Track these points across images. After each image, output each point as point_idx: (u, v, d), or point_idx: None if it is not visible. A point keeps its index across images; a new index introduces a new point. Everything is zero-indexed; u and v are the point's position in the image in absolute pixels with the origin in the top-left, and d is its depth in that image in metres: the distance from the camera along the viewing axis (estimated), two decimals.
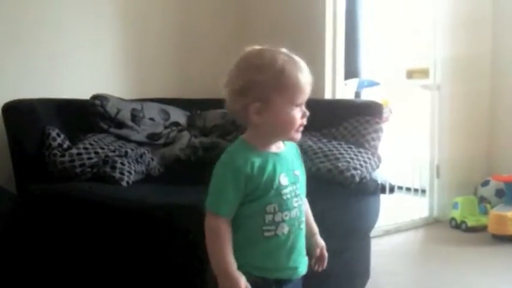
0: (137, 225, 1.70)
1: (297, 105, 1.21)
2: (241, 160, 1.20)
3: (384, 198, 3.69)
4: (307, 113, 1.24)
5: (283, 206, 1.22)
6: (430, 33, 3.62)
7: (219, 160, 1.23)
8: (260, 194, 1.20)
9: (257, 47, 1.25)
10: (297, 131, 1.24)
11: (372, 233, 3.17)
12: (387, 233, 3.39)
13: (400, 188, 4.17)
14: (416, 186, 3.82)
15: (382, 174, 4.01)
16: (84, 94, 2.53)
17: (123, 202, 1.81)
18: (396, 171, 4.06)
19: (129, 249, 1.74)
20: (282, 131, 1.23)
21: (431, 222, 3.67)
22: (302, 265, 1.30)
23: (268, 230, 1.22)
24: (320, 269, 1.42)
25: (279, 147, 1.28)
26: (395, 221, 3.50)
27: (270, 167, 1.22)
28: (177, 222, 1.64)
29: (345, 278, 2.13)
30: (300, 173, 1.31)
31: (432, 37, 3.62)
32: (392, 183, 4.07)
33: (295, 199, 1.25)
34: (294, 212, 1.25)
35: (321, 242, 1.43)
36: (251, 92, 1.20)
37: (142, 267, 1.72)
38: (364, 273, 2.32)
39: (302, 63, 1.23)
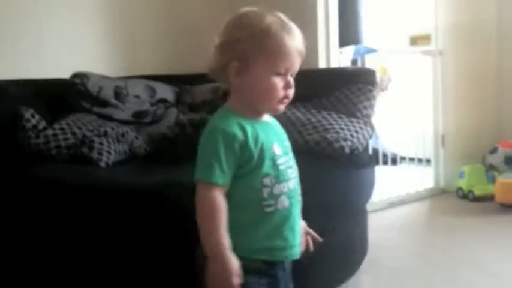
0: (108, 206, 1.60)
1: (279, 73, 1.11)
2: (233, 125, 1.10)
3: (387, 170, 3.60)
4: (292, 84, 1.14)
5: (279, 177, 1.13)
6: None
7: (206, 129, 1.12)
8: (255, 164, 1.11)
9: (250, 8, 1.16)
10: (279, 102, 1.14)
11: (375, 207, 3.10)
12: (391, 205, 3.29)
13: (403, 158, 4.05)
14: (421, 156, 3.68)
15: (384, 145, 3.90)
16: (65, 73, 2.43)
17: (94, 183, 1.71)
18: (399, 141, 3.93)
19: (103, 232, 1.65)
20: (261, 99, 1.14)
21: (438, 193, 3.56)
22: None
23: (269, 205, 1.12)
24: (311, 246, 1.33)
25: (266, 117, 1.19)
26: (400, 193, 3.39)
27: (262, 135, 1.13)
28: (148, 202, 1.55)
29: (339, 256, 2.02)
30: (289, 145, 1.23)
31: (434, 2, 3.49)
32: (396, 153, 3.95)
33: (289, 170, 1.17)
34: (291, 183, 1.16)
35: (302, 221, 1.30)
36: (231, 50, 1.11)
37: (120, 250, 1.64)
38: (360, 249, 2.21)
39: (295, 29, 1.13)
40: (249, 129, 1.11)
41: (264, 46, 1.09)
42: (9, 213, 1.79)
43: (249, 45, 1.10)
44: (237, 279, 1.07)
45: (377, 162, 3.44)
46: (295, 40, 1.12)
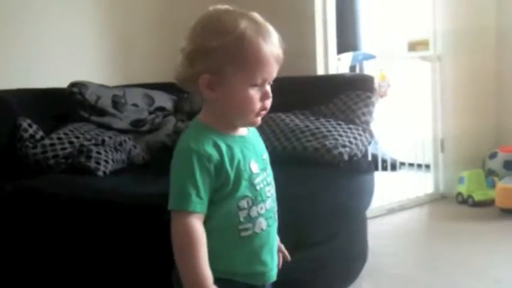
0: (104, 217, 1.59)
1: (256, 84, 1.01)
2: (207, 144, 1.00)
3: (387, 176, 3.60)
4: (270, 95, 1.04)
5: (257, 198, 1.05)
6: (429, 3, 3.47)
7: (178, 149, 1.02)
8: (232, 187, 1.02)
9: (221, 7, 1.05)
10: (257, 115, 1.04)
11: (374, 213, 3.08)
12: (391, 211, 3.28)
13: (403, 164, 4.04)
14: (420, 162, 3.68)
15: (383, 151, 3.89)
16: (63, 83, 2.43)
17: (91, 193, 1.70)
18: (398, 147, 3.92)
19: (101, 243, 1.64)
20: (237, 113, 1.04)
21: (438, 198, 3.55)
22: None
23: (245, 229, 1.04)
24: (280, 264, 1.21)
25: (242, 129, 1.09)
26: (399, 199, 3.38)
27: (238, 153, 1.03)
28: (144, 213, 1.54)
29: (339, 262, 2.02)
30: (267, 157, 1.14)
31: (432, 7, 3.49)
32: (395, 159, 3.94)
33: (267, 188, 1.08)
34: (268, 203, 1.08)
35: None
36: (201, 61, 1.00)
37: (116, 262, 1.63)
38: (360, 256, 2.20)
39: (271, 32, 1.03)
40: (223, 148, 1.01)
41: (238, 57, 0.99)
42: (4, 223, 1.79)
43: (221, 57, 0.99)
44: None
45: (376, 168, 3.44)
46: (271, 45, 1.01)
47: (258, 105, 1.03)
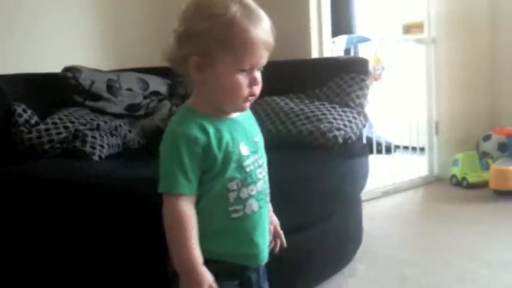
0: (97, 201, 1.59)
1: (244, 69, 1.02)
2: (195, 128, 1.01)
3: (381, 159, 3.61)
4: (259, 81, 1.05)
5: (247, 179, 1.06)
6: None
7: (166, 133, 1.04)
8: (220, 169, 1.03)
9: None
10: (245, 100, 1.05)
11: (369, 195, 3.11)
12: (385, 194, 3.30)
13: (397, 147, 4.06)
14: (415, 145, 3.69)
15: (378, 134, 3.91)
16: (56, 68, 2.42)
17: (85, 177, 1.70)
18: (393, 130, 3.93)
19: (95, 227, 1.64)
20: (225, 98, 1.04)
21: (432, 181, 3.57)
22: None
23: (236, 211, 1.05)
24: (277, 249, 1.24)
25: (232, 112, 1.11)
26: (394, 182, 3.40)
27: (227, 136, 1.05)
28: (137, 196, 1.54)
29: (334, 244, 2.04)
30: (260, 140, 1.15)
31: None
32: (390, 142, 3.95)
33: (258, 170, 1.09)
34: (259, 185, 1.09)
35: (275, 218, 1.26)
36: (191, 43, 1.01)
37: (109, 245, 1.63)
38: (355, 237, 2.22)
39: (262, 18, 1.03)
40: (211, 130, 1.03)
41: (228, 41, 1.00)
42: (10, 209, 1.80)
43: (210, 40, 1.00)
44: None
45: (371, 151, 3.46)
46: (261, 31, 1.01)
47: (245, 90, 1.04)
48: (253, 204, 1.08)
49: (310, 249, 1.89)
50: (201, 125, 1.02)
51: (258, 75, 1.05)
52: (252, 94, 1.05)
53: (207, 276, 1.02)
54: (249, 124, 1.14)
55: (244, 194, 1.06)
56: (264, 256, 1.14)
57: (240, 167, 1.06)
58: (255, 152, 1.10)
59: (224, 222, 1.06)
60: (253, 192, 1.07)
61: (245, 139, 1.09)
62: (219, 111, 1.07)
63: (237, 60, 1.01)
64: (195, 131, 1.01)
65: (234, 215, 1.06)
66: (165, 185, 1.02)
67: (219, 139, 1.03)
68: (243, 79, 1.03)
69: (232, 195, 1.05)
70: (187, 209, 1.01)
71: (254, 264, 1.13)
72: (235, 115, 1.10)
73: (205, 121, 1.03)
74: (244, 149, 1.07)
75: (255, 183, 1.08)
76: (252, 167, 1.08)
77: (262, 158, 1.13)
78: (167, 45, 1.06)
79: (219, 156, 1.03)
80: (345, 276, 2.07)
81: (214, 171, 1.03)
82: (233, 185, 1.05)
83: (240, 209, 1.06)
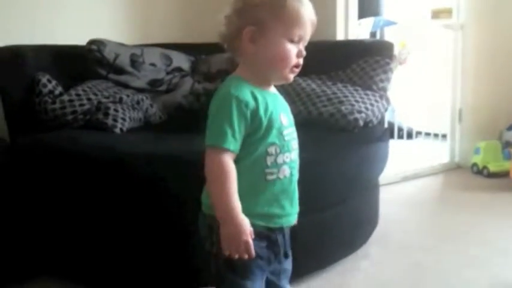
0: (113, 174, 1.63)
1: (293, 41, 1.12)
2: (245, 92, 1.11)
3: (402, 144, 3.59)
4: (304, 53, 1.15)
5: (284, 147, 1.15)
6: None
7: (218, 94, 1.13)
8: (263, 133, 1.12)
9: None
10: (291, 70, 1.15)
11: (388, 180, 3.10)
12: (405, 179, 3.29)
13: (419, 133, 4.02)
14: (437, 131, 3.65)
15: (400, 119, 3.87)
16: (82, 41, 2.44)
17: (102, 151, 1.73)
18: (416, 115, 3.90)
19: (108, 198, 1.68)
20: (274, 66, 1.14)
21: (452, 168, 3.54)
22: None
23: (271, 173, 1.14)
24: None
25: (273, 89, 1.21)
26: (414, 167, 3.38)
27: (271, 105, 1.14)
28: (153, 171, 1.57)
29: (348, 227, 2.04)
30: (293, 119, 1.23)
31: None
32: (411, 128, 3.92)
33: (293, 141, 1.19)
34: (293, 154, 1.18)
35: None
36: (248, 14, 1.12)
37: (129, 218, 1.67)
38: (370, 221, 2.22)
39: (308, 1, 1.15)
40: (260, 97, 1.12)
41: (281, 12, 1.11)
42: (21, 177, 1.84)
43: (265, 12, 1.11)
44: (250, 238, 1.09)
45: (392, 136, 3.43)
46: (309, 10, 1.14)
47: (293, 60, 1.13)
48: (286, 170, 1.16)
49: (324, 230, 1.90)
50: (251, 91, 1.12)
51: (303, 48, 1.15)
52: (297, 65, 1.15)
53: (248, 226, 1.09)
54: (285, 103, 1.24)
55: (280, 159, 1.14)
56: (289, 220, 1.20)
57: (280, 134, 1.14)
58: (291, 125, 1.20)
59: (260, 183, 1.13)
60: (288, 160, 1.16)
61: (285, 111, 1.19)
62: (265, 83, 1.17)
63: (288, 30, 1.11)
64: (246, 95, 1.10)
65: (269, 177, 1.14)
66: (212, 138, 1.09)
67: (266, 106, 1.12)
68: (292, 48, 1.12)
69: (270, 159, 1.13)
70: (230, 164, 1.09)
71: (278, 225, 1.18)
72: (276, 92, 1.21)
73: (254, 89, 1.13)
74: (284, 119, 1.16)
75: (290, 151, 1.16)
76: (289, 137, 1.17)
77: (295, 133, 1.22)
78: (219, 25, 1.16)
79: (265, 121, 1.11)
80: (358, 258, 2.08)
81: (258, 134, 1.12)
82: (272, 150, 1.13)
83: (275, 172, 1.14)
